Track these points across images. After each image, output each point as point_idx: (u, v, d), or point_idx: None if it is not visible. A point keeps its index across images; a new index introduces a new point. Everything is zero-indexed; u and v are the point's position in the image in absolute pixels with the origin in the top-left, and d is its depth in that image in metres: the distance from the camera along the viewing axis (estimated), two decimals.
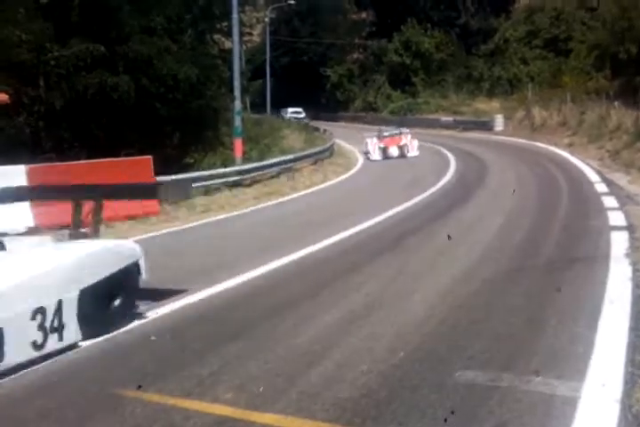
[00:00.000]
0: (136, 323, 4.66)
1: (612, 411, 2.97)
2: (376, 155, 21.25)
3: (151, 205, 10.46)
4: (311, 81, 48.51)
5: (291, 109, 42.93)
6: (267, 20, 43.60)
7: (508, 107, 31.36)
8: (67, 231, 5.18)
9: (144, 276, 4.86)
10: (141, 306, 4.93)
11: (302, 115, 42.33)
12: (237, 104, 15.66)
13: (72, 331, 4.12)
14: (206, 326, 4.62)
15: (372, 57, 47.86)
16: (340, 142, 26.07)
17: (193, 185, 12.46)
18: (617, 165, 14.25)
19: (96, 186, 5.79)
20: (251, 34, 43.86)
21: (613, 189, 10.95)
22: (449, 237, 7.14)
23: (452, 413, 2.99)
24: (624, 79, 25.41)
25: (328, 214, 10.39)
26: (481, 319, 4.42)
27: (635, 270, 5.39)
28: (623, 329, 4.02)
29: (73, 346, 4.16)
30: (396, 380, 3.44)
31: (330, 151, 22.19)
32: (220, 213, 10.87)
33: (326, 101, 48.55)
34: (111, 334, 4.40)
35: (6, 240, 4.66)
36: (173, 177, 11.06)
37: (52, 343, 3.97)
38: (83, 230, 5.05)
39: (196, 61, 14.94)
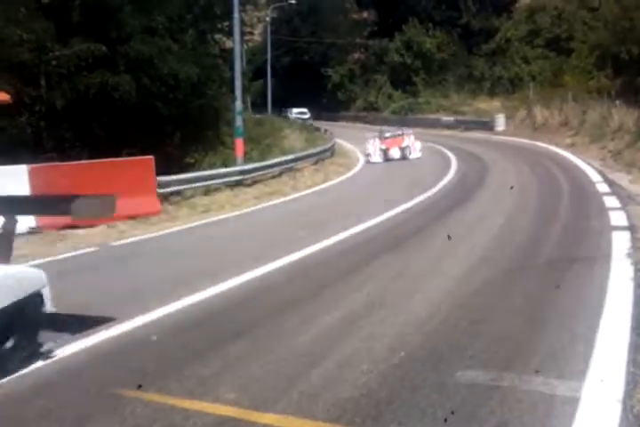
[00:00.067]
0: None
1: (614, 411, 2.97)
2: (376, 157, 20.52)
3: (152, 204, 10.48)
4: (312, 81, 48.49)
5: (295, 110, 42.71)
6: (268, 19, 43.58)
7: (509, 106, 31.31)
8: None
9: (48, 307, 4.16)
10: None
11: (307, 115, 42.14)
12: (238, 104, 15.65)
13: None
14: (207, 326, 4.62)
15: (374, 57, 47.82)
16: (341, 142, 26.06)
17: (194, 185, 12.51)
18: (619, 164, 14.22)
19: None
20: (252, 33, 43.86)
21: (615, 188, 10.93)
22: (449, 237, 7.14)
23: (453, 413, 2.99)
24: (626, 79, 25.34)
25: (329, 214, 10.38)
26: (482, 319, 4.42)
27: (636, 270, 5.38)
28: (624, 329, 4.01)
29: None
30: (397, 380, 3.44)
31: (331, 151, 22.16)
32: (221, 213, 10.88)
33: (327, 101, 48.52)
34: (111, 335, 4.40)
35: None
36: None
37: None
38: None
39: (197, 61, 14.94)
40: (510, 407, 3.05)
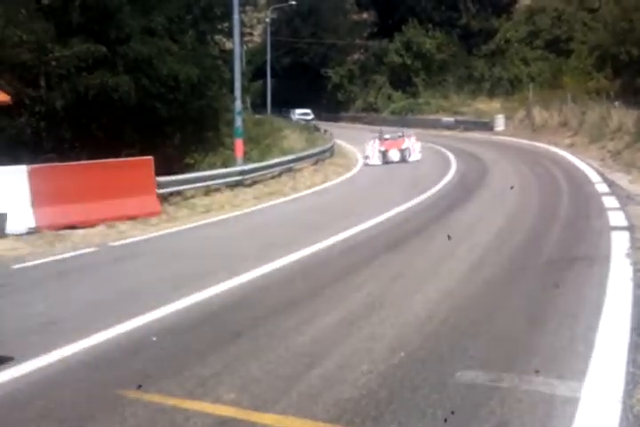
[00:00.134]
0: None
1: (613, 411, 2.98)
2: (375, 159, 19.80)
3: (152, 205, 10.47)
4: (312, 81, 48.53)
5: (298, 111, 42.09)
6: (268, 20, 43.59)
7: (508, 107, 31.33)
8: None
9: None
10: None
11: (310, 116, 41.46)
12: (238, 104, 15.64)
13: None
14: (207, 327, 4.62)
15: (373, 57, 47.84)
16: (340, 143, 26.06)
17: (194, 185, 12.51)
18: (618, 165, 14.23)
19: None
20: (252, 34, 43.89)
21: (614, 189, 10.94)
22: (449, 237, 7.15)
23: (453, 413, 3.00)
24: (625, 79, 25.37)
25: (329, 215, 10.39)
26: (482, 319, 4.42)
27: (635, 271, 5.39)
28: (624, 329, 4.02)
29: None
30: (397, 380, 3.44)
31: (330, 151, 22.14)
32: (221, 214, 10.87)
33: (327, 102, 48.55)
34: (111, 335, 4.41)
35: None
36: None
37: None
38: None
39: (196, 62, 14.93)
40: (510, 408, 3.05)
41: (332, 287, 5.52)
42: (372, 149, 20.13)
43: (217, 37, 18.96)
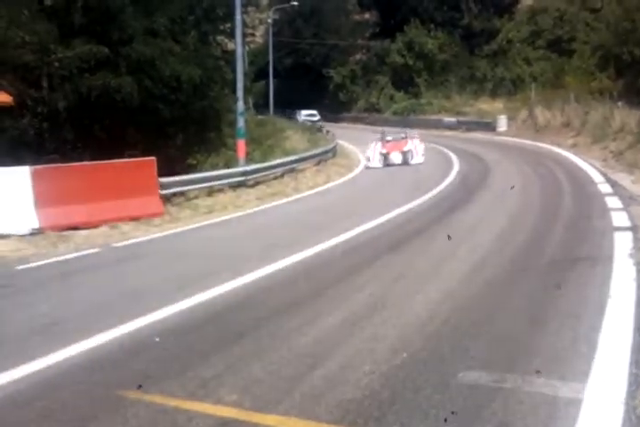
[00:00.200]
0: None
1: (616, 413, 2.97)
2: (375, 162, 19.15)
3: (155, 206, 10.48)
4: (314, 82, 48.51)
5: (304, 112, 41.29)
6: (270, 21, 43.54)
7: (511, 107, 31.32)
8: None
9: None
10: None
11: (317, 117, 40.66)
12: (240, 105, 15.65)
13: None
14: (210, 327, 4.62)
15: (375, 58, 47.81)
16: (343, 143, 26.06)
17: (196, 186, 12.52)
18: (621, 165, 14.21)
19: None
20: (254, 35, 43.74)
21: (617, 189, 10.92)
22: (449, 237, 7.15)
23: (455, 414, 2.99)
24: (628, 80, 25.34)
25: (331, 215, 10.39)
26: (484, 320, 4.41)
27: (638, 271, 5.38)
28: (627, 330, 4.01)
29: None
30: (399, 381, 3.44)
31: (333, 152, 22.12)
32: (224, 214, 10.88)
33: (329, 102, 48.55)
34: (114, 336, 4.41)
35: None
36: None
37: None
38: None
39: (199, 63, 14.94)
40: (513, 409, 3.05)
41: (335, 288, 5.52)
42: (373, 151, 19.59)
43: (219, 38, 18.96)
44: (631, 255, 5.97)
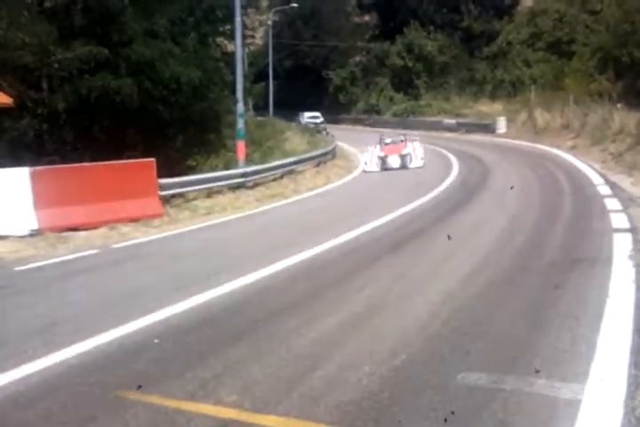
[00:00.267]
0: None
1: (616, 413, 2.97)
2: (373, 165, 18.61)
3: (154, 207, 10.48)
4: (314, 83, 48.55)
5: (307, 114, 40.33)
6: (270, 22, 43.60)
7: (510, 109, 31.33)
8: None
9: None
10: None
11: (320, 119, 39.73)
12: (240, 107, 15.66)
13: None
14: (209, 329, 4.62)
15: (375, 60, 47.87)
16: (342, 145, 26.08)
17: (196, 187, 12.52)
18: (620, 167, 14.21)
19: None
20: (253, 37, 43.97)
21: (616, 191, 10.92)
22: (449, 237, 7.15)
23: (454, 414, 2.99)
24: (627, 81, 25.39)
25: (330, 217, 10.39)
26: (483, 321, 4.41)
27: (637, 272, 5.38)
28: (626, 331, 4.00)
29: None
30: (399, 382, 3.43)
31: (332, 154, 22.13)
32: (223, 216, 10.88)
33: (329, 104, 48.56)
34: (113, 337, 4.41)
35: None
36: None
37: None
38: None
39: (198, 64, 14.97)
40: (512, 410, 3.04)
41: (334, 289, 5.51)
42: (371, 154, 19.22)
43: (219, 40, 19.02)
44: (630, 257, 5.96)
